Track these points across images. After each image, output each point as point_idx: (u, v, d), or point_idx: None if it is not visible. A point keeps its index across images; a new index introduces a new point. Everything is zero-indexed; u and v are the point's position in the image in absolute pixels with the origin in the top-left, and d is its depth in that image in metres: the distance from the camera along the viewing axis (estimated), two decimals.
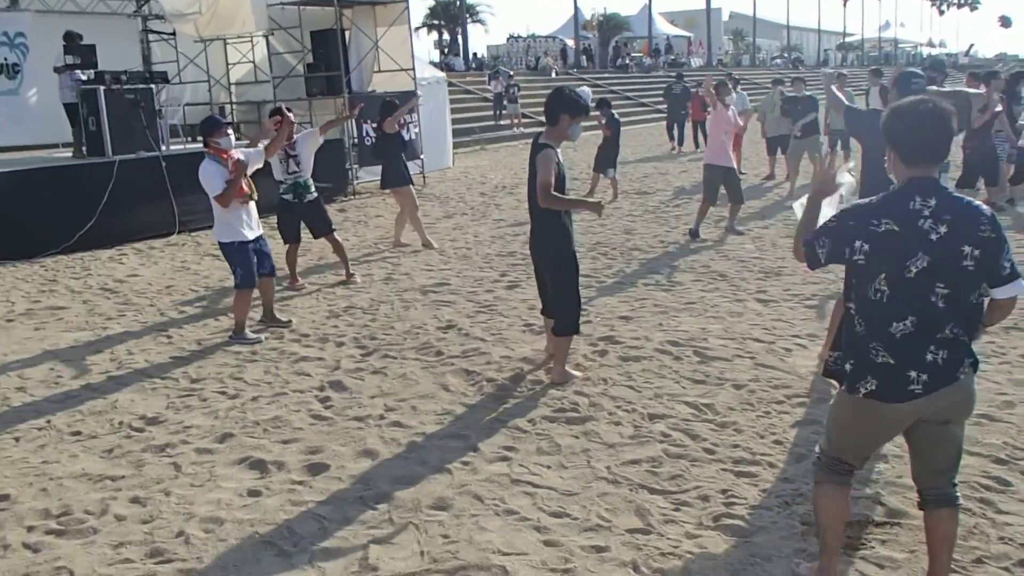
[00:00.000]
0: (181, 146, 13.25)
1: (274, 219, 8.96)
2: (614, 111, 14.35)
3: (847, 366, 3.13)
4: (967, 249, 2.90)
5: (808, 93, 14.74)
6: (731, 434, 4.83)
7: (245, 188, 6.85)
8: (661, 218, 12.08)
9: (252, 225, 7.01)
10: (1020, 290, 3.01)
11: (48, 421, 5.48)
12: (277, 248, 8.12)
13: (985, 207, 3.01)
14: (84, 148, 12.20)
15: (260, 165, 7.33)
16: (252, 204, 6.99)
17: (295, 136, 8.37)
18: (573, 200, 5.87)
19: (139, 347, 7.01)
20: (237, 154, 6.85)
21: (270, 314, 7.50)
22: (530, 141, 5.74)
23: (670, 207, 13.02)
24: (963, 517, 3.61)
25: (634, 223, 11.74)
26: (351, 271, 9.01)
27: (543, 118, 5.63)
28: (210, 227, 12.11)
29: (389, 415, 5.35)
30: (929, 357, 2.96)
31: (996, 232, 2.93)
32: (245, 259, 6.96)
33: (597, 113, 14.02)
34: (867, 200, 3.07)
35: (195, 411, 5.55)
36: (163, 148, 12.28)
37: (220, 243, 7.08)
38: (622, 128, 14.33)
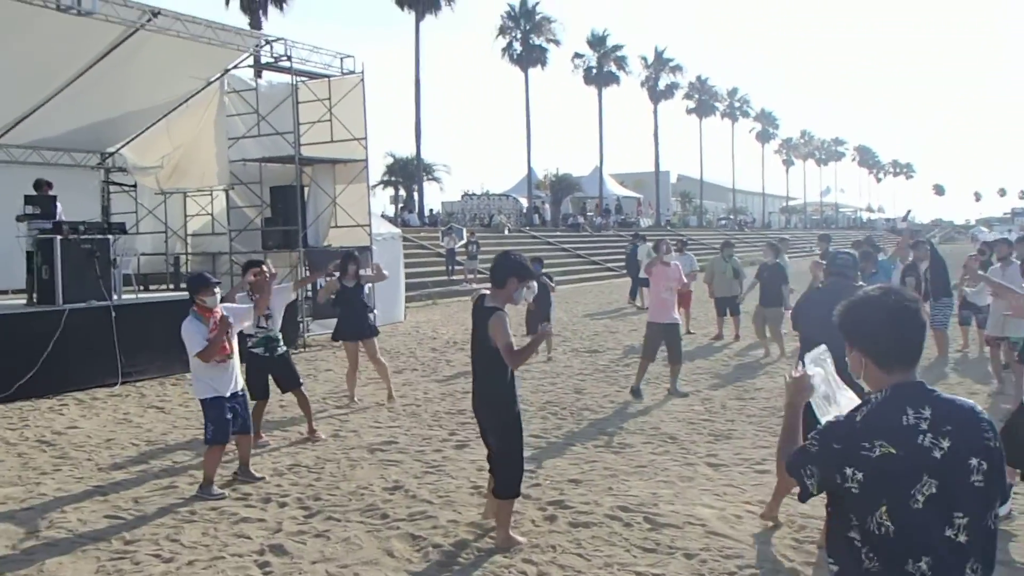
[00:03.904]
0: (133, 295, 13.20)
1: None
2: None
3: None
4: (974, 462, 2.43)
5: (777, 261, 14.35)
6: None
7: (227, 346, 6.89)
8: (611, 377, 12.19)
9: (230, 382, 7.01)
10: (1007, 509, 2.79)
11: None
12: None
13: (984, 412, 2.55)
14: (34, 296, 12.11)
15: (249, 322, 7.61)
16: (233, 362, 7.03)
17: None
18: (533, 345, 5.60)
19: (73, 505, 6.74)
20: (221, 311, 6.93)
21: (245, 469, 7.40)
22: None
23: (620, 366, 13.16)
24: None
25: (584, 382, 11.82)
26: (314, 427, 8.86)
27: None
28: (154, 378, 12.24)
29: None
30: None
31: (998, 441, 2.51)
32: (219, 415, 6.91)
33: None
34: (848, 415, 2.56)
35: None
36: (115, 298, 12.23)
37: (198, 399, 7.07)
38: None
